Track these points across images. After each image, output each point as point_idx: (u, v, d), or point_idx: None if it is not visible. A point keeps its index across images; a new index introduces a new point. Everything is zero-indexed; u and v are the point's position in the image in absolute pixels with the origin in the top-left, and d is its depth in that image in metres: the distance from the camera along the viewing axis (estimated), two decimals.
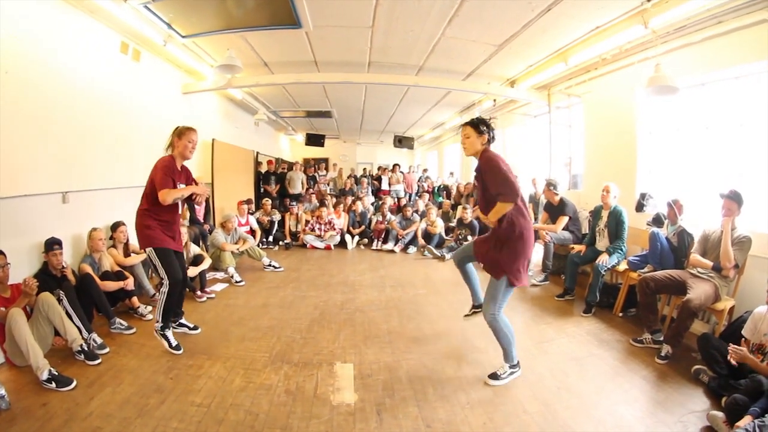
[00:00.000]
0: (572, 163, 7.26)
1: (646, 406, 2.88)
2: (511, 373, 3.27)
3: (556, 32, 5.13)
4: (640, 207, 5.09)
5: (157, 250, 3.51)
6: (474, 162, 3.31)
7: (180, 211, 3.84)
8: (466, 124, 3.22)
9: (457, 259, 3.67)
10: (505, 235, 3.08)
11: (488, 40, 5.60)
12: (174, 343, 3.61)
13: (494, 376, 3.23)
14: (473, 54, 6.19)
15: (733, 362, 2.81)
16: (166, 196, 3.33)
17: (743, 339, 2.98)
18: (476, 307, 3.81)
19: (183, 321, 4.12)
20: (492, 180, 3.01)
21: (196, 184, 3.80)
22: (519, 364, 3.32)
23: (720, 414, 2.60)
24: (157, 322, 3.61)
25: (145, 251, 3.61)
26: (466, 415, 2.75)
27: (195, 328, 4.14)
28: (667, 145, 5.18)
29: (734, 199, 3.53)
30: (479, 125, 3.16)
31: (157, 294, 3.80)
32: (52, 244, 3.82)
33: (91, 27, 4.69)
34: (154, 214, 3.52)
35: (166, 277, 3.54)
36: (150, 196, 3.46)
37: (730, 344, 2.90)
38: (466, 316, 3.88)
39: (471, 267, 3.66)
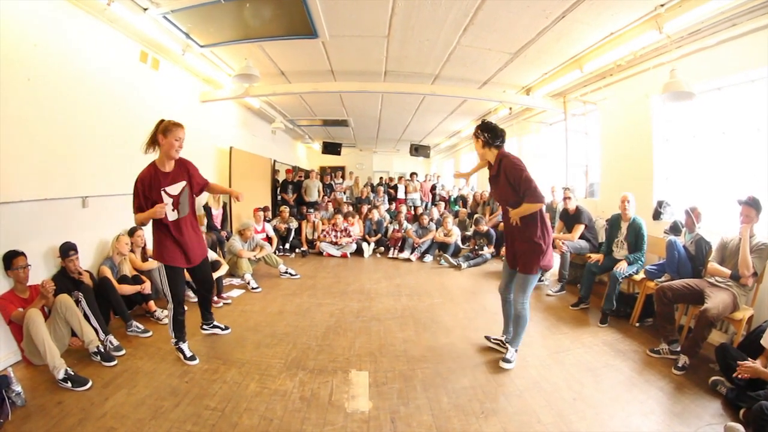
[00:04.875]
0: (589, 171, 7.19)
1: (662, 418, 2.82)
2: (515, 354, 3.62)
3: (570, 39, 5.12)
4: (657, 215, 5.03)
5: (165, 267, 3.47)
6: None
7: (186, 214, 3.51)
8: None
9: (501, 288, 3.80)
10: (526, 234, 3.34)
11: (503, 48, 5.61)
12: (188, 354, 3.59)
13: (507, 360, 3.55)
14: (489, 62, 6.21)
15: (744, 377, 2.80)
16: (136, 221, 3.29)
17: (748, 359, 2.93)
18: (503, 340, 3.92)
19: (215, 323, 4.21)
20: (518, 184, 3.21)
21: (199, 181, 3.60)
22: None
23: (738, 426, 2.55)
24: (172, 338, 3.64)
25: None
26: (481, 424, 2.73)
27: (226, 328, 4.24)
28: (684, 151, 5.11)
29: (753, 206, 3.45)
30: (476, 130, 3.43)
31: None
32: (68, 250, 3.88)
33: (111, 36, 4.81)
34: (159, 224, 3.39)
35: (169, 295, 3.52)
36: None
37: (738, 361, 2.87)
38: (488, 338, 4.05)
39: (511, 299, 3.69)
